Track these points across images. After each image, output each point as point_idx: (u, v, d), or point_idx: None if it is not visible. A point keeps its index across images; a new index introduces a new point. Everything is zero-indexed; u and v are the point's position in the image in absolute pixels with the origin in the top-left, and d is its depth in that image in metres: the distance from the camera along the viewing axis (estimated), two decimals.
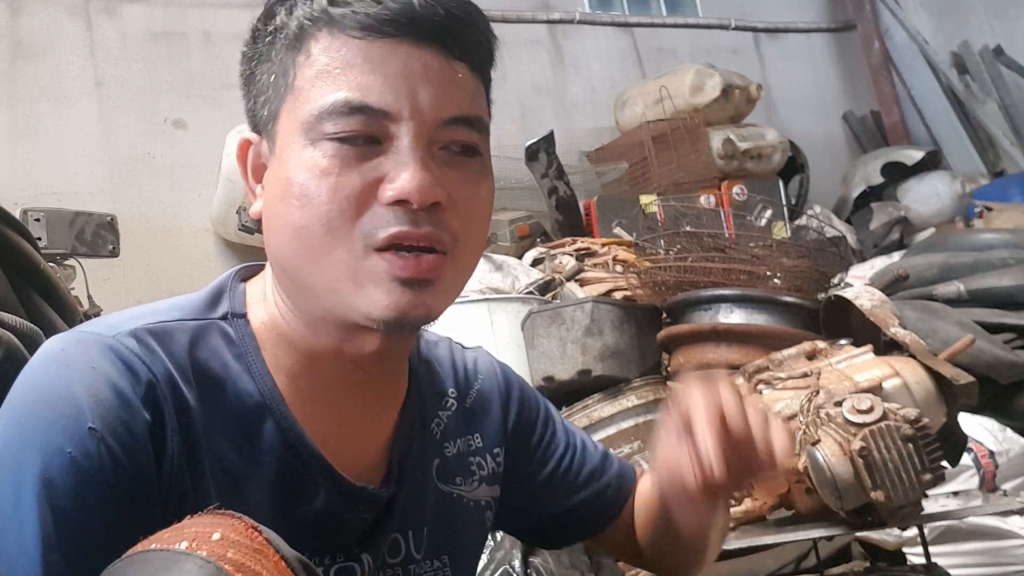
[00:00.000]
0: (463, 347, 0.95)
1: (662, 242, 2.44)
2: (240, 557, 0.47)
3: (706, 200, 3.67)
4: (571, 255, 2.93)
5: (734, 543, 1.27)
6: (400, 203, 0.64)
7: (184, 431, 0.64)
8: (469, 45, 0.68)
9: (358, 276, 0.65)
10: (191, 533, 0.49)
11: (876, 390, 1.18)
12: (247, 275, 0.78)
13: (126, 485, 0.60)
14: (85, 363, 0.62)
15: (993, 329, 2.06)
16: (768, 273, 2.12)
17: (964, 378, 1.19)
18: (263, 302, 0.73)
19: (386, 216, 0.64)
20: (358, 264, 0.64)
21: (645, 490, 0.96)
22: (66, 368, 0.62)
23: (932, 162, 4.47)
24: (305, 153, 0.65)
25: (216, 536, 0.48)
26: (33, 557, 0.57)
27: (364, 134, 0.64)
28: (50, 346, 0.65)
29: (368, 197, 0.64)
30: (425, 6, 0.65)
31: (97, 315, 2.09)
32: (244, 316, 0.72)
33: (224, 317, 0.72)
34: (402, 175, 0.64)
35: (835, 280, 2.13)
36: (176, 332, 0.68)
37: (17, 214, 2.05)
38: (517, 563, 1.37)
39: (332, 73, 0.65)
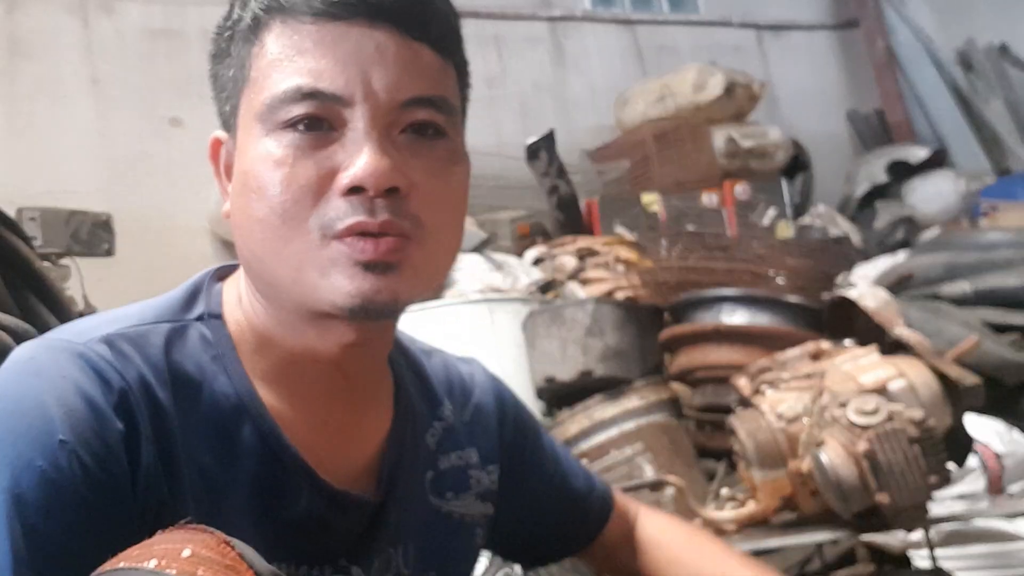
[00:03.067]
0: (457, 359, 0.93)
1: (664, 241, 2.44)
2: (211, 574, 0.45)
3: (708, 199, 3.66)
4: (572, 255, 2.92)
5: (738, 547, 1.26)
6: (355, 191, 0.62)
7: (160, 438, 0.63)
8: (428, 25, 0.66)
9: (319, 264, 0.63)
10: (160, 550, 0.47)
11: (881, 391, 1.16)
12: (224, 274, 0.76)
13: (99, 498, 0.58)
14: (55, 372, 0.61)
15: (999, 329, 2.05)
16: (771, 273, 2.12)
17: (970, 379, 1.18)
18: (238, 302, 0.72)
19: (342, 206, 0.62)
20: (317, 252, 0.63)
21: (665, 543, 0.96)
22: (36, 377, 0.60)
23: (937, 160, 4.46)
24: (260, 144, 0.64)
25: (186, 553, 0.46)
26: (3, 574, 0.55)
27: (315, 118, 0.63)
28: (19, 354, 0.63)
29: (324, 186, 0.63)
30: None
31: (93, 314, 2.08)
32: (220, 317, 0.71)
33: (200, 318, 0.70)
34: (356, 161, 0.62)
35: (839, 280, 2.12)
36: (151, 335, 0.67)
37: (12, 213, 2.04)
38: (518, 567, 1.36)
39: (284, 61, 0.64)
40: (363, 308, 0.63)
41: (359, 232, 0.62)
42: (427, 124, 0.66)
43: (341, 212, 0.62)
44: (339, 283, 0.63)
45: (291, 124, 0.63)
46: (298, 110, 0.63)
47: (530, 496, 0.92)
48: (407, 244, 0.64)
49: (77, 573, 0.49)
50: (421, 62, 0.66)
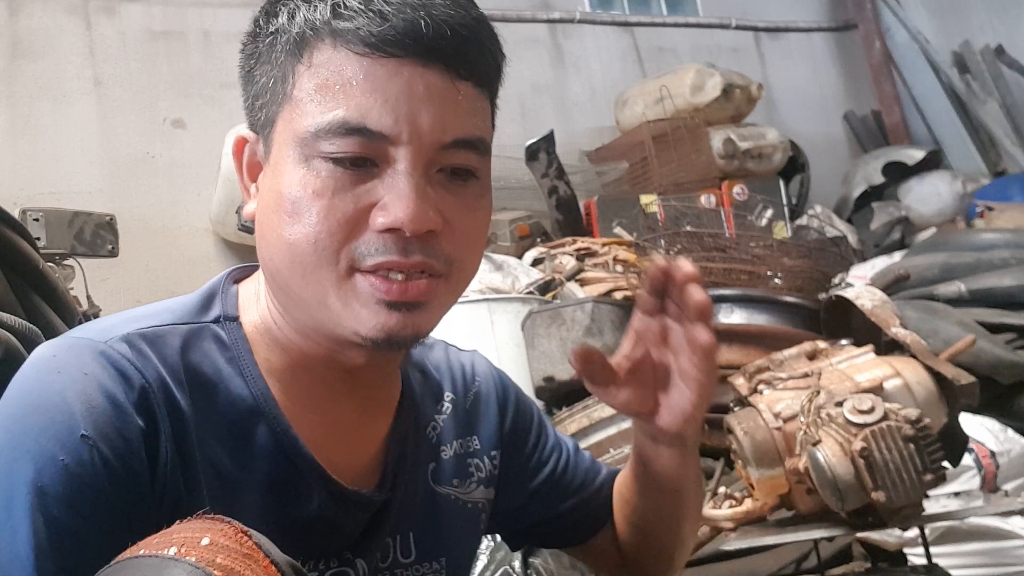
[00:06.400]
0: (459, 349, 0.94)
1: (662, 242, 2.44)
2: (229, 562, 0.46)
3: (707, 200, 3.67)
4: (571, 255, 2.93)
5: (734, 544, 1.27)
6: (391, 231, 0.63)
7: (177, 437, 0.64)
8: (476, 64, 0.66)
9: (343, 295, 0.64)
10: (180, 539, 0.48)
11: (877, 390, 1.17)
12: (240, 276, 0.77)
13: (119, 492, 0.59)
14: (77, 369, 0.62)
15: (994, 329, 2.05)
16: (769, 273, 2.12)
17: (965, 378, 1.19)
18: (255, 304, 0.73)
19: (375, 243, 0.63)
20: (342, 283, 0.64)
21: (622, 476, 0.97)
22: (58, 374, 0.61)
23: (933, 162, 4.47)
24: (299, 169, 0.64)
25: (205, 541, 0.47)
26: (25, 566, 0.56)
27: (360, 156, 0.63)
28: (41, 352, 0.64)
29: (359, 222, 0.63)
30: (432, 26, 0.62)
31: (96, 315, 2.08)
32: (236, 319, 0.72)
33: (216, 320, 0.71)
34: (396, 203, 0.62)
35: (836, 280, 2.13)
36: (168, 336, 0.67)
37: (16, 214, 2.05)
38: (517, 563, 1.37)
39: (332, 89, 0.63)
40: (386, 341, 0.64)
41: (388, 269, 0.63)
42: (464, 168, 0.67)
43: (373, 248, 0.63)
44: (363, 316, 0.64)
45: (333, 156, 0.62)
46: (342, 144, 0.62)
47: (535, 483, 0.93)
48: (436, 284, 0.65)
49: (98, 565, 0.50)
50: (464, 101, 0.66)
